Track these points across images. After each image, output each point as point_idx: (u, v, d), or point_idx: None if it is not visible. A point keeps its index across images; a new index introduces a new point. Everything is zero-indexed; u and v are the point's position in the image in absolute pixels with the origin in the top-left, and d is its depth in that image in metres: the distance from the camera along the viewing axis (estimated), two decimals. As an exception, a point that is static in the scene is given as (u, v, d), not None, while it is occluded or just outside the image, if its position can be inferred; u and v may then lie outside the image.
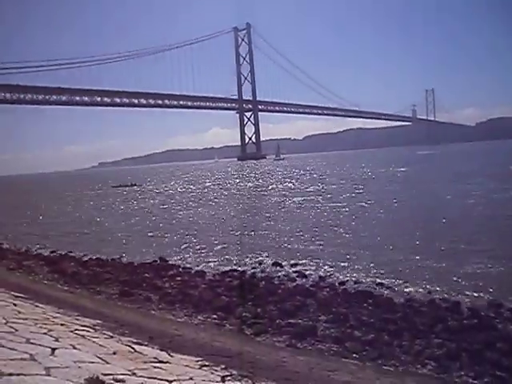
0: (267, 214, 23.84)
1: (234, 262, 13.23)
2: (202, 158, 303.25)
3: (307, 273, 11.47)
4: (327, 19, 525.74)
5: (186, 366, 4.63)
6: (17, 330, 4.77)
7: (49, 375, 3.41)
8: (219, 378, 4.32)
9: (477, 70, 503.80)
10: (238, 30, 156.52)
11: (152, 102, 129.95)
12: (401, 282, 10.20)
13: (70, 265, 13.52)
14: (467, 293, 9.16)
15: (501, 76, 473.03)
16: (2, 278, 10.86)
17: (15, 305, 6.67)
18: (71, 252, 15.99)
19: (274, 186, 44.35)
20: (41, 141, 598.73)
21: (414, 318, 7.67)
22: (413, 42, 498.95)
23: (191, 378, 4.09)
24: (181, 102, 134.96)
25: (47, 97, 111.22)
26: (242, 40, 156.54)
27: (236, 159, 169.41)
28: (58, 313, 6.71)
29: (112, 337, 5.55)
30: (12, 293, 7.92)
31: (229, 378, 4.40)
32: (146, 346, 5.27)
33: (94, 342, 5.05)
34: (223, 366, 4.74)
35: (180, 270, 12.53)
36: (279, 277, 11.25)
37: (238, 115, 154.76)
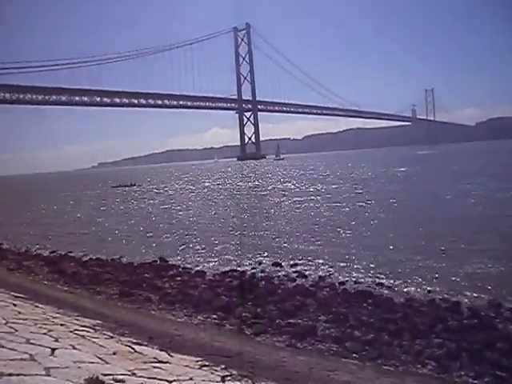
0: (267, 214, 23.84)
1: (234, 262, 13.22)
2: (201, 158, 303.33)
3: (307, 273, 11.46)
4: (327, 19, 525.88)
5: (186, 366, 4.63)
6: (17, 331, 4.77)
7: (49, 375, 3.41)
8: (219, 378, 4.32)
9: (477, 69, 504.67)
10: (238, 30, 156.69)
11: (152, 102, 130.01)
12: (401, 282, 10.19)
13: (69, 265, 13.52)
14: (467, 293, 9.15)
15: (501, 76, 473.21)
16: (2, 279, 10.86)
17: (15, 305, 6.67)
18: (71, 252, 15.98)
19: (274, 185, 44.35)
20: (40, 141, 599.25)
21: (414, 318, 7.66)
22: (413, 41, 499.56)
23: (191, 378, 4.09)
24: (180, 102, 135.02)
25: (47, 97, 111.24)
26: (242, 40, 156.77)
27: (236, 159, 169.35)
28: (58, 313, 6.71)
29: (112, 337, 5.55)
30: (12, 293, 7.93)
31: (229, 377, 4.40)
32: (145, 346, 5.27)
33: (93, 342, 5.05)
34: (223, 366, 4.74)
35: (180, 270, 12.52)
36: (279, 277, 11.24)
37: (237, 115, 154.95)
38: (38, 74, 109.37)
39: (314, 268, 11.96)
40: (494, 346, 6.38)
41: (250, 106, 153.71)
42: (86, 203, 39.03)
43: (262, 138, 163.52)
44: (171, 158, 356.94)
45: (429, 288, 9.61)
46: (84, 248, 16.70)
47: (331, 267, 11.88)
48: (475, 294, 9.03)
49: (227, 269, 12.17)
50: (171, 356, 4.96)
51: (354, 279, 10.66)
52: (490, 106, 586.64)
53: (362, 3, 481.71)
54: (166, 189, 52.09)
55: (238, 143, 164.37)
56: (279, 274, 11.58)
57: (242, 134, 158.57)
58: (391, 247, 13.81)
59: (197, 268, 12.63)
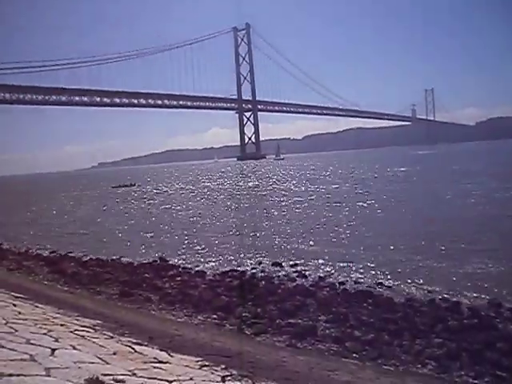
0: (267, 214, 23.84)
1: (234, 262, 13.21)
2: (201, 158, 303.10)
3: (307, 273, 11.46)
4: (327, 19, 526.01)
5: (186, 366, 4.63)
6: (17, 331, 4.77)
7: (49, 376, 3.41)
8: (219, 378, 4.32)
9: (477, 69, 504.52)
10: (238, 30, 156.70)
11: (152, 102, 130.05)
12: (401, 281, 10.19)
13: (69, 265, 13.51)
14: (467, 293, 9.14)
15: (501, 76, 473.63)
16: (2, 279, 10.87)
17: (15, 305, 6.67)
18: (71, 252, 15.98)
19: (274, 185, 44.35)
20: (40, 141, 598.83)
21: (414, 318, 7.66)
22: (413, 41, 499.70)
23: (191, 378, 4.09)
24: (180, 102, 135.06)
25: (47, 97, 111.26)
26: (242, 40, 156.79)
27: (236, 159, 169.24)
28: (58, 313, 6.71)
29: (112, 337, 5.55)
30: (12, 293, 7.93)
31: (229, 377, 4.40)
32: (145, 346, 5.27)
33: (93, 342, 5.05)
34: (223, 366, 4.73)
35: (180, 270, 12.52)
36: (279, 277, 11.24)
37: (237, 115, 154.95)
38: (38, 74, 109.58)
39: (313, 268, 11.95)
40: (494, 345, 6.37)
41: (249, 106, 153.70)
42: (86, 203, 39.05)
43: (261, 138, 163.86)
44: (171, 158, 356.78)
45: (429, 288, 9.61)
46: (84, 248, 16.70)
47: (331, 267, 11.87)
48: (475, 294, 9.03)
49: (227, 269, 12.17)
50: (171, 356, 4.96)
51: (353, 279, 10.66)
52: (490, 105, 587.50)
53: (362, 3, 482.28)
54: (165, 189, 52.09)
55: (238, 143, 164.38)
56: (279, 273, 11.57)
57: (242, 133, 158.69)
58: (391, 247, 13.80)
59: (197, 268, 12.62)
